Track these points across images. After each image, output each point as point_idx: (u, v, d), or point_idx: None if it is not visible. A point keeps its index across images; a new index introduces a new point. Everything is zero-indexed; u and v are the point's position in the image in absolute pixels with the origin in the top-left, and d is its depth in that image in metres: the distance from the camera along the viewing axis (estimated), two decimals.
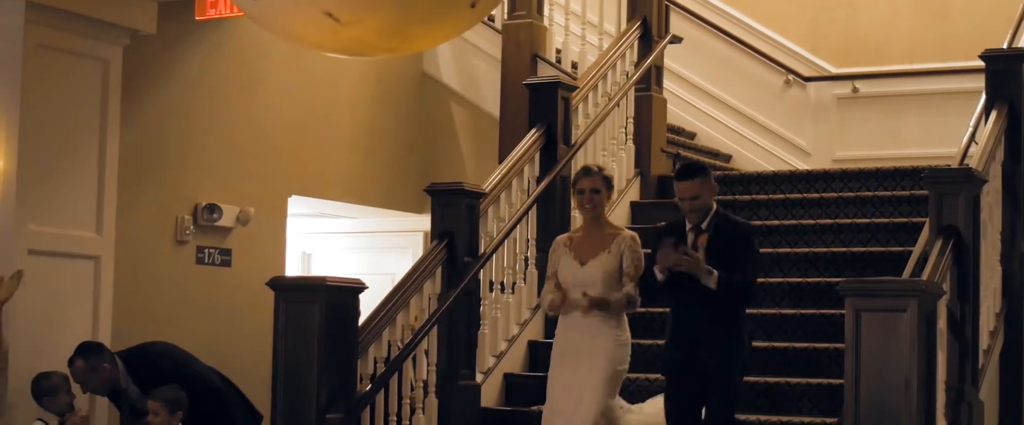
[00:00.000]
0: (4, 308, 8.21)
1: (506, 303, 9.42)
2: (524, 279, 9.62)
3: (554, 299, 7.87)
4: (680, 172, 7.67)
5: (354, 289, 8.03)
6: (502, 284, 9.46)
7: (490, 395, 9.14)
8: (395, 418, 8.31)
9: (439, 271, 8.80)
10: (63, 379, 8.43)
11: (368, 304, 8.37)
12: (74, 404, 8.46)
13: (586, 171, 8.01)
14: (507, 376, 9.35)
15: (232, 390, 8.93)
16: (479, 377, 9.02)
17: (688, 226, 7.57)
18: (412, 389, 8.53)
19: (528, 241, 9.71)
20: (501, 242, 9.32)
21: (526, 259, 9.68)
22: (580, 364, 7.73)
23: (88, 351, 8.49)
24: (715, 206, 7.59)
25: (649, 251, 7.72)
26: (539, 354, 9.49)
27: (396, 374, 8.31)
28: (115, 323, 9.01)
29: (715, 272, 7.30)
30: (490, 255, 9.18)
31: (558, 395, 7.83)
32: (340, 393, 7.77)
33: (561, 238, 8.09)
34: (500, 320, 9.34)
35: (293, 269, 12.04)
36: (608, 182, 8.00)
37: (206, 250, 9.96)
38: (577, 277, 7.81)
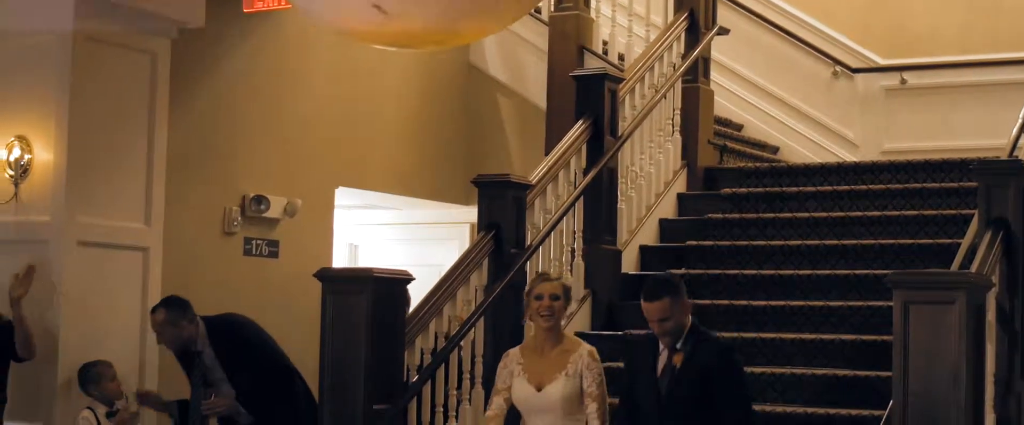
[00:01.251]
0: (22, 303, 8.24)
1: None
2: (570, 271, 9.62)
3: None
4: (646, 292, 6.81)
5: (401, 280, 8.05)
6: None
7: None
8: (442, 409, 8.32)
9: (486, 263, 8.81)
10: (108, 367, 8.48)
11: (415, 295, 8.38)
12: (122, 392, 8.51)
13: (544, 277, 7.30)
14: None
15: (298, 374, 8.99)
16: None
17: (661, 345, 6.84)
18: (459, 380, 8.54)
19: (574, 233, 9.71)
20: (548, 234, 9.32)
21: (572, 251, 9.68)
22: None
23: (172, 305, 8.58)
24: (690, 322, 6.82)
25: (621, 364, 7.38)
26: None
27: (443, 365, 8.33)
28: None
29: None
30: (536, 247, 9.18)
31: None
32: (387, 384, 7.79)
33: (514, 352, 7.27)
34: None
35: (340, 261, 12.08)
36: (568, 291, 7.23)
37: (254, 241, 10.00)
38: (533, 403, 7.05)
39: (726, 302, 9.61)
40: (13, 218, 8.66)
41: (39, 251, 8.56)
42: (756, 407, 8.47)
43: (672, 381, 6.70)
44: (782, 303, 9.43)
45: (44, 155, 8.63)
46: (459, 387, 8.51)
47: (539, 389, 7.01)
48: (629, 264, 10.30)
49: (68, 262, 8.51)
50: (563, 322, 7.33)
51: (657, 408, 6.75)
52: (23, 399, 8.27)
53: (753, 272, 9.87)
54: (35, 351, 8.20)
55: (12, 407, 8.21)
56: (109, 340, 8.68)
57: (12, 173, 8.65)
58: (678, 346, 6.75)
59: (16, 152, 8.65)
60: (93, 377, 8.43)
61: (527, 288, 7.43)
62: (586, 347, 7.10)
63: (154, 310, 8.62)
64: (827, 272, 9.62)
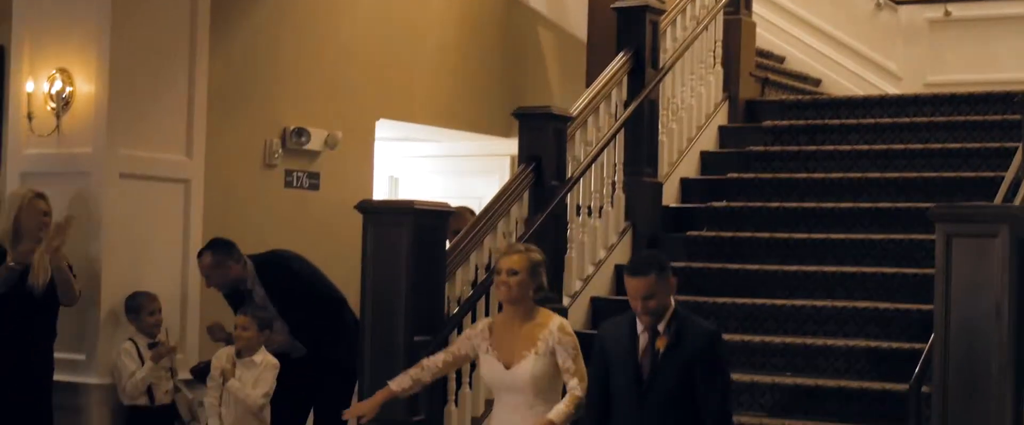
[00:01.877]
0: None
1: (593, 227, 9.42)
2: (611, 203, 9.61)
3: (417, 379, 6.81)
4: (631, 267, 6.38)
5: (442, 212, 8.05)
6: (589, 208, 9.46)
7: (577, 319, 9.15)
8: None
9: (526, 195, 8.80)
10: (149, 299, 8.52)
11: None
12: (161, 325, 8.54)
13: (510, 248, 6.85)
14: (594, 300, 9.35)
15: (347, 305, 9.00)
16: (566, 301, 9.03)
17: (639, 327, 6.32)
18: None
19: (615, 165, 9.69)
20: (588, 166, 9.31)
21: (613, 183, 9.66)
22: None
23: (218, 247, 8.62)
24: (673, 305, 6.32)
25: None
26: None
27: (483, 297, 8.34)
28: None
29: None
30: (577, 179, 9.17)
31: None
32: (428, 316, 7.80)
33: (484, 324, 6.85)
34: (587, 244, 9.34)
35: (381, 193, 12.09)
36: (534, 266, 6.64)
37: (294, 174, 10.01)
38: (502, 382, 6.63)
39: (767, 235, 9.60)
40: (55, 150, 8.69)
41: (81, 183, 8.58)
42: (798, 339, 8.50)
43: (655, 366, 6.21)
44: (823, 236, 9.41)
45: (86, 87, 8.64)
46: None
47: (508, 367, 6.58)
48: (670, 196, 10.28)
49: (110, 194, 8.53)
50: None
51: (637, 393, 6.25)
52: (68, 331, 8.32)
53: (794, 205, 9.84)
54: (78, 297, 8.22)
55: (59, 339, 8.26)
56: (151, 273, 8.72)
57: (54, 106, 8.67)
58: (661, 329, 6.25)
59: (58, 85, 8.67)
60: (134, 308, 8.48)
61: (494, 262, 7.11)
62: (557, 321, 6.59)
63: (201, 254, 8.65)
64: (869, 205, 9.59)
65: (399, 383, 6.78)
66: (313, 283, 8.84)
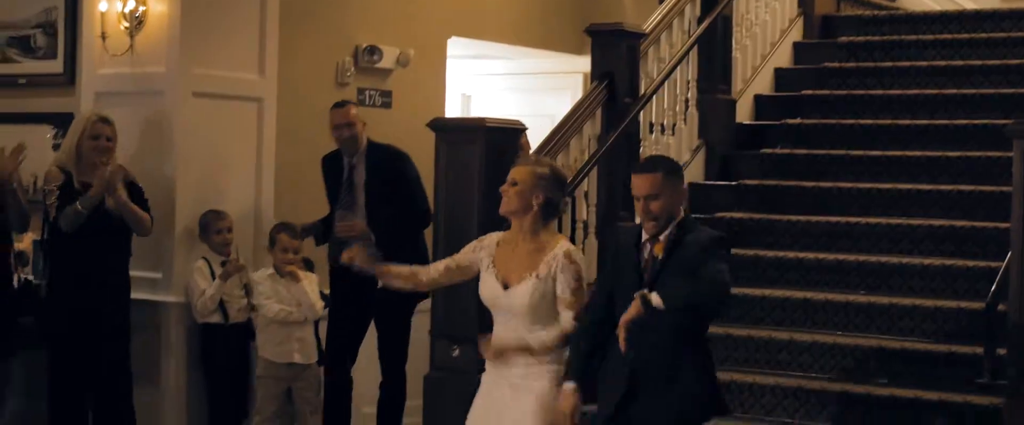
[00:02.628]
0: (121, 192, 8.18)
1: (666, 144, 9.38)
2: (684, 120, 9.56)
3: (412, 275, 6.51)
4: (639, 164, 6.16)
5: (514, 130, 8.04)
6: (662, 125, 9.42)
7: None
8: None
9: (599, 113, 8.78)
10: (220, 219, 8.54)
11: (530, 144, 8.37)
12: (231, 243, 8.56)
13: (521, 159, 6.53)
14: None
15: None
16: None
17: (644, 235, 5.96)
18: (573, 230, 8.55)
19: (688, 82, 9.64)
20: (661, 83, 9.26)
21: (686, 100, 9.62)
22: None
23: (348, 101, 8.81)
24: (682, 215, 5.94)
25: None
26: (699, 195, 9.46)
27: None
28: (278, 163, 9.11)
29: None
30: (650, 96, 9.13)
31: None
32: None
33: (490, 239, 6.37)
34: None
35: (453, 110, 12.07)
36: (538, 180, 6.15)
37: (367, 92, 10.00)
38: (498, 302, 6.18)
39: (842, 152, 9.53)
40: (129, 70, 8.71)
41: (154, 103, 8.62)
42: (873, 257, 8.45)
43: (653, 274, 5.80)
44: (899, 153, 9.34)
45: (158, 7, 8.65)
46: (573, 237, 8.53)
47: (506, 287, 6.14)
48: (744, 113, 10.23)
49: (183, 113, 8.56)
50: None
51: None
52: (144, 250, 8.37)
53: (870, 122, 9.77)
54: (150, 229, 8.24)
55: (135, 258, 8.32)
56: (225, 191, 8.75)
57: (127, 25, 8.69)
58: (661, 236, 5.86)
59: (131, 4, 8.68)
60: (206, 227, 8.53)
61: None
62: (564, 246, 6.15)
63: (341, 104, 8.69)
64: (945, 122, 9.50)
65: (397, 267, 6.49)
66: (415, 193, 8.67)
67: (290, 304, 8.43)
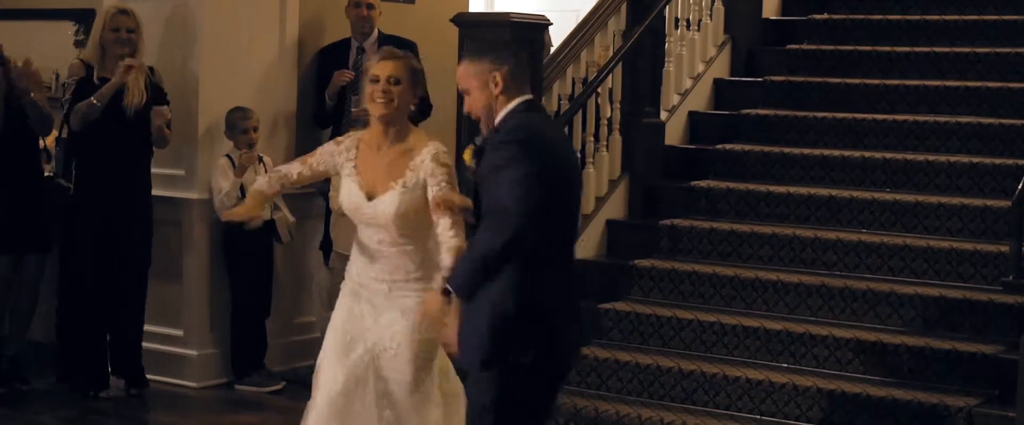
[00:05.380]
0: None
1: (691, 40, 9.31)
2: (710, 15, 9.48)
3: (278, 182, 5.91)
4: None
5: (539, 25, 7.98)
6: (687, 21, 9.34)
7: (674, 133, 9.11)
8: (579, 155, 8.31)
9: (624, 8, 8.71)
10: (242, 117, 8.48)
11: (553, 40, 8.31)
12: (252, 140, 8.52)
13: (389, 53, 5.72)
14: (692, 114, 9.29)
15: None
16: (664, 115, 8.97)
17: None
18: (597, 127, 8.51)
19: None
20: None
21: None
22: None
23: None
24: (512, 107, 5.08)
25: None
26: (724, 92, 9.41)
27: (580, 111, 8.29)
28: (301, 60, 9.06)
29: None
30: None
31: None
32: None
33: (349, 140, 5.80)
34: (685, 57, 9.24)
35: (477, 5, 12.00)
36: (416, 75, 5.68)
37: None
38: (362, 213, 5.66)
39: (869, 48, 9.52)
40: None
41: None
42: (899, 155, 8.40)
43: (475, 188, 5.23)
44: (927, 49, 9.28)
45: None
46: (596, 134, 8.50)
47: (369, 198, 5.64)
48: (770, 8, 10.15)
49: (206, 7, 8.50)
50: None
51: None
52: (168, 147, 8.35)
53: (897, 17, 9.71)
54: (168, 141, 8.23)
55: (158, 155, 8.31)
56: (248, 87, 8.70)
57: None
58: (478, 140, 5.24)
59: None
60: (229, 123, 8.48)
61: (365, 65, 6.22)
62: (430, 148, 5.60)
63: None
64: (975, 17, 9.44)
65: (268, 185, 5.91)
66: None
67: None
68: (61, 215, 8.26)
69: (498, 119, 5.04)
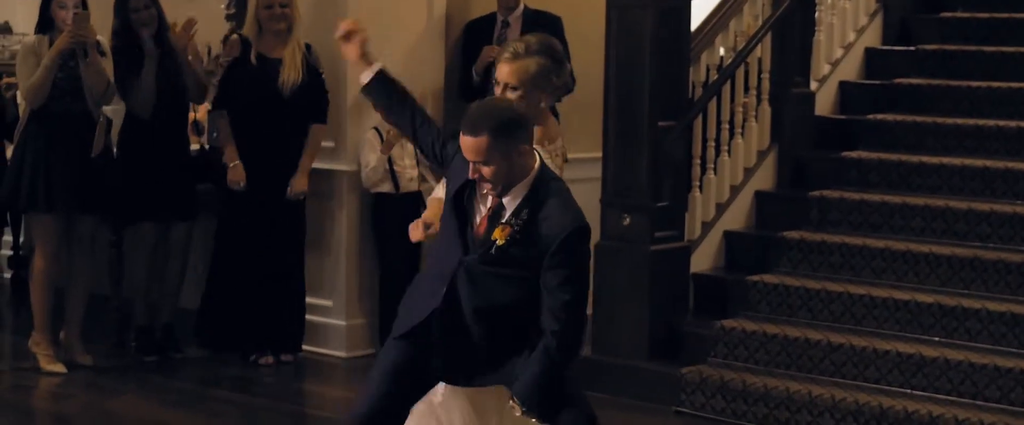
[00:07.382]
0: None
1: (842, 9, 9.18)
2: None
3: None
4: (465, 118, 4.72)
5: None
6: None
7: (824, 103, 9.00)
8: (727, 126, 8.26)
9: None
10: None
11: (701, 10, 8.25)
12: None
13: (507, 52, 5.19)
14: (842, 84, 9.17)
15: None
16: (813, 85, 8.87)
17: (482, 188, 4.79)
18: (745, 97, 8.44)
19: None
20: None
21: None
22: None
23: None
24: (535, 172, 4.70)
25: None
26: (875, 61, 9.27)
27: (729, 81, 8.23)
28: (449, 34, 9.07)
29: None
30: None
31: None
32: (672, 101, 7.74)
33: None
34: (836, 26, 9.12)
35: None
36: (535, 78, 5.10)
37: None
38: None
39: (987, 15, 9.28)
40: None
41: None
42: (1008, 123, 8.24)
43: (487, 255, 4.75)
44: None
45: None
46: (744, 104, 8.43)
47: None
48: None
49: None
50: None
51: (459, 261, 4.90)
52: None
53: None
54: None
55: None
56: (396, 61, 8.70)
57: None
58: (505, 216, 4.72)
59: None
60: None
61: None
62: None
63: None
64: None
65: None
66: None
67: None
68: (216, 183, 8.42)
69: (530, 181, 4.65)
